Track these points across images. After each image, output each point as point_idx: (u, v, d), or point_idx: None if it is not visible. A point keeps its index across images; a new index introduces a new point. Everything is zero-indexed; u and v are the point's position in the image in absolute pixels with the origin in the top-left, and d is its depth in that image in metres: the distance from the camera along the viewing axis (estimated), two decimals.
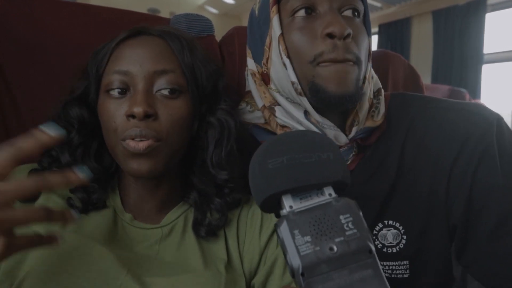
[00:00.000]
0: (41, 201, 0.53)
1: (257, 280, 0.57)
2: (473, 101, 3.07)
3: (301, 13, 0.58)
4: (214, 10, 6.27)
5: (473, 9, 4.02)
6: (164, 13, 4.68)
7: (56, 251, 0.48)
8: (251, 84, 0.69)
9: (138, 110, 0.49)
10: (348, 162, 0.61)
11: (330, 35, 0.55)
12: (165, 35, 0.57)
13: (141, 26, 0.57)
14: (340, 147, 0.60)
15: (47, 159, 0.56)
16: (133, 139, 0.50)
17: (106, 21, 0.77)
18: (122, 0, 2.43)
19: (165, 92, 0.53)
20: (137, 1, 3.67)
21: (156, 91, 0.53)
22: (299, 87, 0.59)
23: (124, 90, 0.53)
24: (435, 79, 4.36)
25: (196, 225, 0.57)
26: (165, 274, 0.51)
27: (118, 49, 0.55)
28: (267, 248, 0.58)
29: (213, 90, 0.59)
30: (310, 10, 0.58)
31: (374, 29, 4.87)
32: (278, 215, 0.63)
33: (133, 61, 0.53)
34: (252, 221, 0.60)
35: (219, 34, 0.88)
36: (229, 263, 0.57)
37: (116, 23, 0.77)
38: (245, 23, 0.73)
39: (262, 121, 0.68)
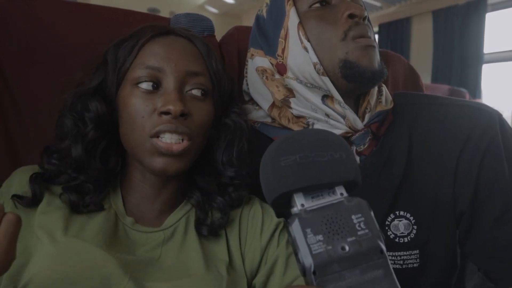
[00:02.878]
0: (43, 204, 0.52)
1: (258, 280, 0.57)
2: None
3: (317, 5, 0.64)
4: (214, 10, 6.26)
5: (473, 9, 4.02)
6: (164, 13, 4.67)
7: (59, 257, 0.47)
8: (257, 84, 0.70)
9: (175, 108, 0.50)
10: (366, 146, 0.65)
11: (352, 15, 0.61)
12: (193, 38, 0.58)
13: (168, 26, 0.59)
14: (357, 131, 0.63)
15: (47, 158, 0.55)
16: (158, 135, 0.51)
17: (106, 21, 0.77)
18: (122, 0, 2.42)
19: (197, 92, 0.54)
20: (137, 1, 3.66)
21: (186, 91, 0.54)
22: (321, 67, 0.62)
23: (156, 85, 0.53)
24: (435, 79, 4.36)
25: (198, 225, 0.57)
26: (166, 278, 0.51)
27: (149, 45, 0.55)
28: (268, 248, 0.58)
29: (230, 94, 0.62)
30: (325, 2, 0.64)
31: (374, 28, 4.84)
32: (282, 214, 0.63)
33: (167, 59, 0.53)
34: (253, 221, 0.60)
35: (219, 34, 0.88)
36: (230, 264, 0.56)
37: (116, 23, 0.77)
38: (245, 22, 0.74)
39: (269, 120, 0.70)
